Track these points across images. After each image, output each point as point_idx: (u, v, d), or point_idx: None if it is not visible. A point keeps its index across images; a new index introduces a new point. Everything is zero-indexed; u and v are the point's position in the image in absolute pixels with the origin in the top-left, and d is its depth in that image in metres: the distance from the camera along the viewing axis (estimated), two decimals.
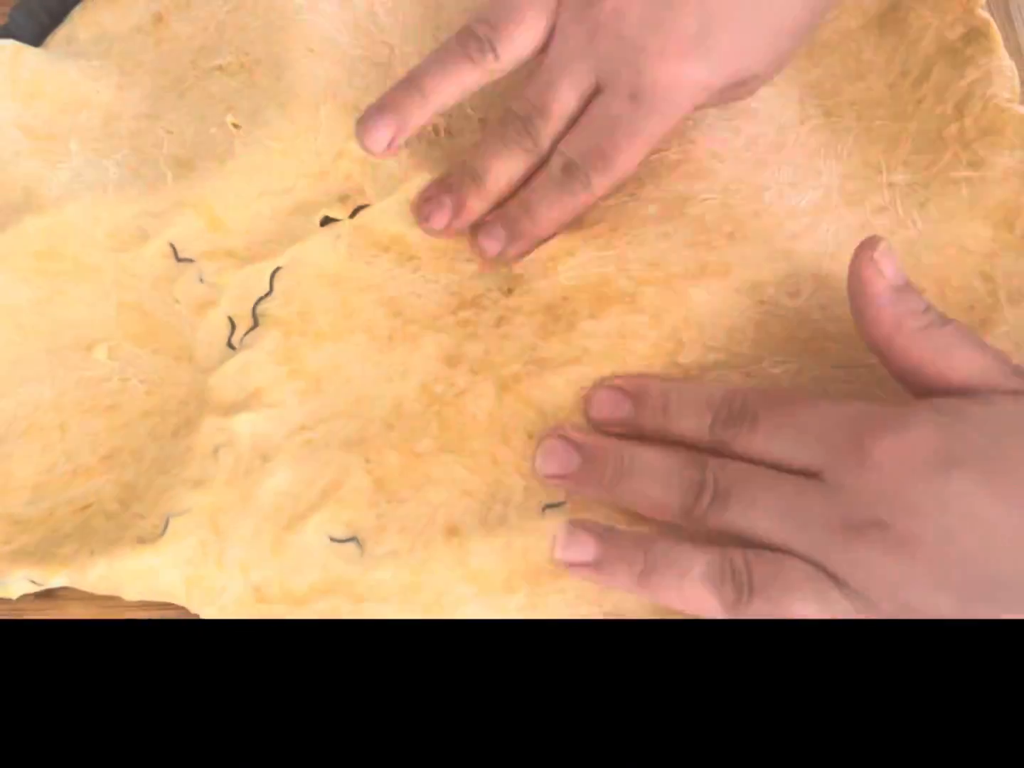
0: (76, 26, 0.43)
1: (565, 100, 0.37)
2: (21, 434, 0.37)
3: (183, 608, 0.35)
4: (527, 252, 0.38)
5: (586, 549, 0.32)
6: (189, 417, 0.37)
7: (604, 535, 0.33)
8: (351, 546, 0.34)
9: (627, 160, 0.37)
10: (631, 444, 0.34)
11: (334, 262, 0.38)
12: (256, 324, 0.37)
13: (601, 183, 0.37)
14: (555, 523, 0.33)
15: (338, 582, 0.34)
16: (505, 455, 0.35)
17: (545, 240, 0.38)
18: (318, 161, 0.40)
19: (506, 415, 0.36)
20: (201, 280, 0.38)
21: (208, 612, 0.34)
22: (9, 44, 0.41)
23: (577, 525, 0.33)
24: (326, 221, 0.39)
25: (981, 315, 0.37)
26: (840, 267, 0.35)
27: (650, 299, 0.37)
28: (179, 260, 0.38)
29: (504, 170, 0.37)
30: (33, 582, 0.34)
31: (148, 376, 0.38)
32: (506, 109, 0.38)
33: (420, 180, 0.39)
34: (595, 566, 0.32)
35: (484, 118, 0.41)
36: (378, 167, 0.39)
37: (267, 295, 0.38)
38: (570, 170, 0.36)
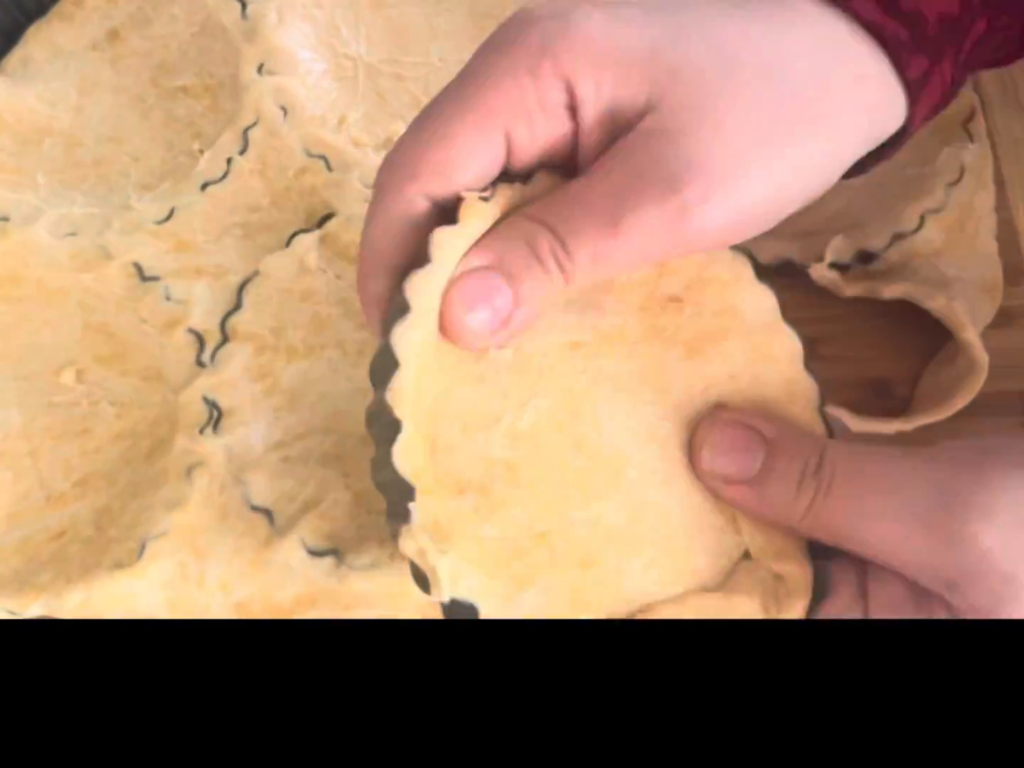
0: (31, 47, 0.42)
1: None
2: None
3: None
4: None
5: None
6: (161, 438, 0.37)
7: None
8: (331, 559, 0.34)
9: None
10: None
11: (303, 275, 0.38)
12: (225, 339, 0.37)
13: None
14: None
15: (321, 594, 0.34)
16: None
17: None
18: (283, 177, 0.39)
19: None
20: (168, 298, 0.37)
21: None
22: None
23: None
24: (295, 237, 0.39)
25: None
26: None
27: None
28: (144, 279, 0.38)
29: None
30: (10, 613, 0.34)
31: (117, 398, 0.38)
32: None
33: None
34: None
35: None
36: (342, 180, 0.39)
37: (236, 309, 0.37)
38: None
